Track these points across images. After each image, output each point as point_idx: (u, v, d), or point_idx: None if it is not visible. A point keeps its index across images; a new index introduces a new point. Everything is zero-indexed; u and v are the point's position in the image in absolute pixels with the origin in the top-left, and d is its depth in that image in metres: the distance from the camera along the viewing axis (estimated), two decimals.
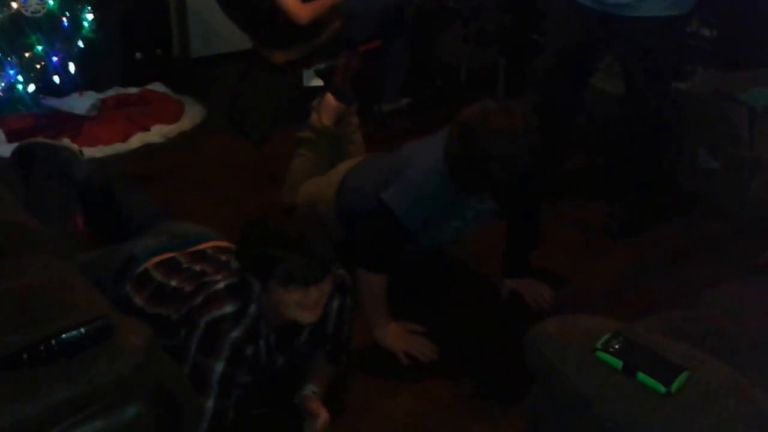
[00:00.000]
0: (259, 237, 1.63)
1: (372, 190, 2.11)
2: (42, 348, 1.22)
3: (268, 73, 3.34)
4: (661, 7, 2.41)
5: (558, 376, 1.30)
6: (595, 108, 2.99)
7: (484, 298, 2.36)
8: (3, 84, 3.08)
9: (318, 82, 3.15)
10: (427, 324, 2.16)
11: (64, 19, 3.17)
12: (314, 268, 1.60)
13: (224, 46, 3.97)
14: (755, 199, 2.77)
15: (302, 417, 1.81)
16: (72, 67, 3.24)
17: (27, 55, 3.09)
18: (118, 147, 3.20)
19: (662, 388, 1.19)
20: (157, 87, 3.71)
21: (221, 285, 1.69)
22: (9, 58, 3.06)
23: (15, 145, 2.97)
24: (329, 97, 2.51)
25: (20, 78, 3.11)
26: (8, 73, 3.07)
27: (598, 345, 1.28)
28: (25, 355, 1.22)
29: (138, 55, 3.75)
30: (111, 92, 3.61)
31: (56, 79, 3.22)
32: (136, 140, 3.26)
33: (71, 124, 3.28)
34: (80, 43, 3.25)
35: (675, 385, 1.19)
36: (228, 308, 1.64)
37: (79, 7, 3.24)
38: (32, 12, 3.06)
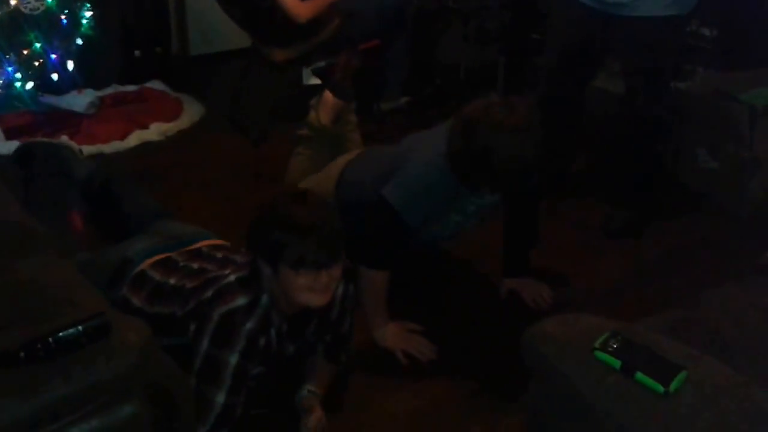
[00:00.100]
0: (271, 220, 1.63)
1: (372, 183, 2.11)
2: (39, 346, 1.22)
3: (268, 72, 3.34)
4: (660, 6, 2.41)
5: (556, 376, 1.30)
6: (595, 108, 2.98)
7: (483, 298, 2.36)
8: (1, 81, 3.07)
9: (316, 81, 3.15)
10: (426, 323, 2.16)
11: (63, 16, 3.17)
12: (325, 252, 1.60)
13: (223, 44, 3.97)
14: (755, 199, 2.77)
15: (300, 417, 1.81)
16: (70, 65, 3.24)
17: (25, 52, 3.08)
18: (117, 145, 3.20)
19: (661, 388, 1.19)
20: (156, 85, 3.71)
21: (232, 278, 1.70)
22: (7, 56, 3.05)
23: (13, 142, 2.98)
24: (328, 95, 2.51)
25: (18, 75, 3.10)
26: (6, 71, 3.06)
27: (597, 344, 1.27)
28: (22, 353, 1.21)
29: (137, 52, 3.75)
30: (109, 90, 3.61)
31: (55, 76, 3.21)
32: (135, 138, 3.26)
33: (69, 121, 3.28)
34: (79, 41, 3.24)
35: (673, 385, 1.19)
36: (240, 300, 1.64)
37: (78, 4, 3.23)
38: (31, 9, 3.05)
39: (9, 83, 3.09)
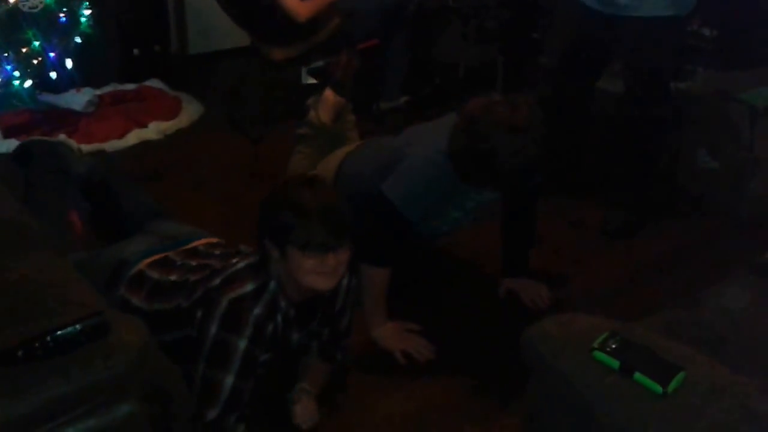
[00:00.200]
0: (280, 203, 1.66)
1: (371, 176, 2.11)
2: (37, 344, 1.22)
3: (267, 71, 3.34)
4: (660, 7, 2.41)
5: (555, 376, 1.30)
6: (595, 108, 2.98)
7: (482, 298, 2.36)
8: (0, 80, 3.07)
9: (312, 81, 3.15)
10: (424, 323, 2.16)
11: (62, 14, 3.16)
12: (332, 234, 1.62)
13: (222, 43, 3.97)
14: (754, 199, 2.77)
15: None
16: (69, 63, 3.23)
17: (24, 50, 3.08)
18: (115, 144, 3.19)
19: (659, 389, 1.19)
20: (155, 83, 3.71)
21: (240, 265, 1.71)
22: (6, 54, 3.04)
23: (12, 141, 2.98)
24: (328, 93, 2.51)
25: (17, 74, 3.10)
26: (5, 69, 3.06)
27: (595, 344, 1.27)
28: (20, 352, 1.21)
29: (136, 51, 3.75)
30: (108, 88, 3.61)
31: (53, 75, 3.20)
32: (133, 137, 3.25)
33: (68, 120, 3.27)
34: (77, 39, 3.24)
35: (672, 386, 1.19)
36: (249, 286, 1.66)
37: (77, 2, 3.23)
38: (30, 7, 3.04)
39: (7, 81, 3.09)
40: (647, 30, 2.44)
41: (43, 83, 3.24)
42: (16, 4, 3.02)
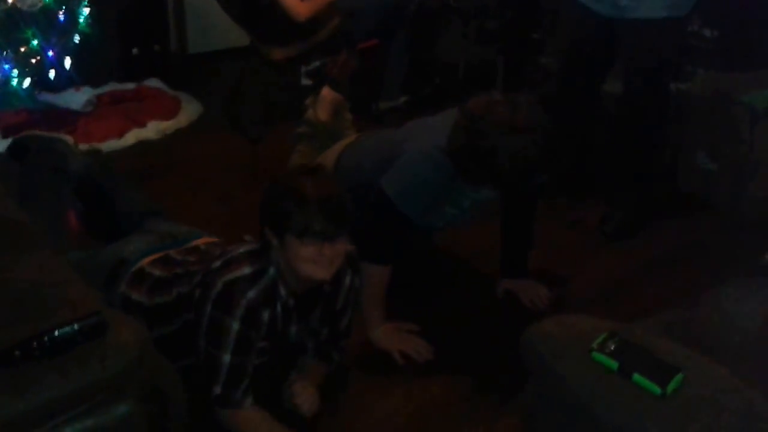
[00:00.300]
0: (280, 190, 1.67)
1: (371, 169, 2.11)
2: (35, 344, 1.21)
3: (266, 70, 3.33)
4: (659, 8, 2.42)
5: (554, 377, 1.30)
6: (600, 110, 2.98)
7: (480, 298, 2.35)
8: None
9: (308, 82, 3.15)
10: (423, 324, 2.16)
11: (61, 13, 3.15)
12: (330, 223, 1.62)
13: (222, 43, 3.97)
14: (754, 201, 2.76)
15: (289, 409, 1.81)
16: (68, 62, 3.22)
17: (22, 49, 3.07)
18: (114, 143, 3.19)
19: (658, 390, 1.19)
20: (154, 83, 3.70)
21: (241, 250, 1.73)
22: (4, 53, 3.03)
23: (9, 141, 2.96)
24: (326, 91, 2.51)
25: (15, 73, 3.09)
26: (3, 68, 3.05)
27: (594, 345, 1.27)
28: (18, 352, 1.21)
29: (135, 50, 3.74)
30: (107, 88, 3.60)
31: (52, 74, 3.19)
32: (132, 137, 3.25)
33: (66, 119, 3.27)
34: (76, 38, 3.23)
35: (670, 387, 1.19)
36: (246, 269, 1.68)
37: (76, 1, 3.22)
38: (28, 6, 3.04)
39: (6, 80, 3.08)
40: (646, 32, 2.44)
41: (41, 82, 3.23)
42: (14, 3, 3.01)
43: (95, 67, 3.48)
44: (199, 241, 1.97)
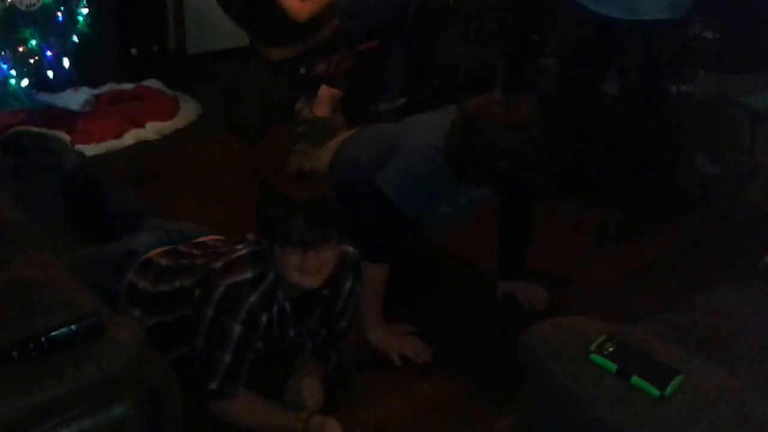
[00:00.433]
0: (268, 197, 1.67)
1: (368, 163, 2.11)
2: (32, 345, 1.21)
3: (265, 71, 3.33)
4: (656, 10, 2.42)
5: (552, 379, 1.30)
6: (600, 112, 2.98)
7: (479, 300, 2.35)
8: None
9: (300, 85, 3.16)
10: (421, 325, 2.15)
11: (59, 13, 3.15)
12: (312, 232, 1.61)
13: (221, 43, 3.96)
14: (754, 204, 2.76)
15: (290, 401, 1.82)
16: (66, 62, 3.22)
17: (21, 49, 3.06)
18: (112, 144, 3.18)
19: (656, 392, 1.19)
20: (153, 83, 3.69)
21: (244, 251, 1.73)
22: (2, 53, 3.03)
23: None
24: (324, 89, 2.52)
25: (13, 72, 3.08)
26: (1, 68, 3.04)
27: (592, 348, 1.27)
28: (14, 352, 1.20)
29: (133, 50, 3.73)
30: (105, 88, 3.59)
31: (50, 74, 3.19)
32: (131, 137, 3.24)
33: (64, 119, 3.25)
34: (75, 38, 3.22)
35: (669, 389, 1.19)
36: (248, 273, 1.68)
37: (75, 1, 3.21)
38: (27, 6, 3.03)
39: (4, 80, 3.07)
40: (643, 33, 2.44)
41: (39, 82, 3.22)
42: (13, 2, 3.01)
43: (94, 67, 3.47)
44: (207, 238, 1.98)
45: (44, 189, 2.15)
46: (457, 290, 2.41)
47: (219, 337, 1.66)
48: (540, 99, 2.45)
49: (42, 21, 3.09)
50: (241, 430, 1.74)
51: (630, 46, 2.50)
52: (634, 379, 1.21)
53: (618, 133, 2.78)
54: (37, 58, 3.11)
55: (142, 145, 3.22)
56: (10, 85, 3.10)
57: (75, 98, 3.35)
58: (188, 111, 3.50)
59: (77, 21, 3.23)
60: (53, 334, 1.22)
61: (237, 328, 1.65)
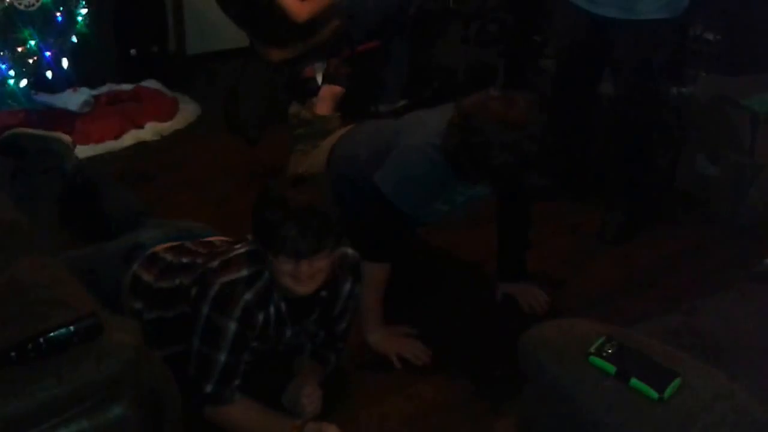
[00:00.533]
0: (262, 203, 1.67)
1: (366, 160, 2.11)
2: (30, 346, 1.21)
3: (265, 72, 3.33)
4: (653, 9, 2.42)
5: (551, 380, 1.30)
6: (598, 112, 2.98)
7: (479, 302, 2.35)
8: None
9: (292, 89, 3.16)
10: (421, 327, 2.15)
11: (58, 13, 3.14)
12: (306, 241, 1.60)
13: (221, 44, 3.96)
14: (754, 206, 2.76)
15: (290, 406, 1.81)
16: (65, 63, 3.22)
17: (20, 49, 3.06)
18: (111, 144, 3.18)
19: (655, 394, 1.19)
20: (152, 84, 3.69)
21: (241, 250, 1.73)
22: (1, 53, 3.03)
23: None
24: (326, 88, 2.53)
25: (12, 73, 3.08)
26: (0, 68, 3.04)
27: (592, 350, 1.27)
28: (13, 353, 1.20)
29: (133, 51, 3.73)
30: (104, 88, 3.59)
31: (49, 74, 3.19)
32: (130, 138, 3.24)
33: (63, 120, 3.25)
34: (74, 39, 3.22)
35: (668, 392, 1.19)
36: (244, 272, 1.68)
37: (74, 1, 3.21)
38: (26, 6, 3.03)
39: (2, 81, 3.07)
40: (639, 33, 2.44)
41: (38, 83, 3.22)
42: (12, 2, 3.01)
43: (93, 67, 3.47)
44: (215, 238, 1.99)
45: (43, 190, 2.14)
46: (457, 292, 2.40)
47: (214, 335, 1.66)
48: (539, 98, 2.45)
49: (41, 21, 3.08)
50: None
51: (627, 45, 2.50)
52: (633, 381, 1.21)
53: (615, 134, 2.78)
54: (35, 58, 3.11)
55: (141, 146, 3.23)
56: (9, 85, 3.09)
57: (74, 99, 3.35)
58: (187, 112, 3.50)
59: (76, 21, 3.23)
60: (52, 335, 1.22)
61: (232, 326, 1.65)
